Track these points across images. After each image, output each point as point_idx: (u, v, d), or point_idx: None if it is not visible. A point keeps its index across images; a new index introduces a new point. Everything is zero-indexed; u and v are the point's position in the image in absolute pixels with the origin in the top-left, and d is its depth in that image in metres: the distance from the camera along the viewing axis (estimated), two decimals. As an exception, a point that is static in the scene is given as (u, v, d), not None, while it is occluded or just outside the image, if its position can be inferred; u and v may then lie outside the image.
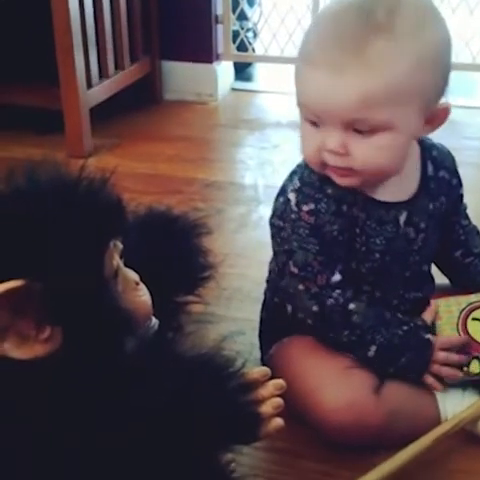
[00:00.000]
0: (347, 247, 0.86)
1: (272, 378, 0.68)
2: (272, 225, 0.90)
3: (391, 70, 0.75)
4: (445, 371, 0.87)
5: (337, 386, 0.85)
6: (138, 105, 2.13)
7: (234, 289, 1.21)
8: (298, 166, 0.89)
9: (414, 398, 0.88)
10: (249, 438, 0.67)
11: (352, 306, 0.85)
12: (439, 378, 0.88)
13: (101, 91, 1.88)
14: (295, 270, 0.85)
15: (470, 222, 1.00)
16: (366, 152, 0.79)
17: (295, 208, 0.85)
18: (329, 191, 0.84)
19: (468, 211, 1.01)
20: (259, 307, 1.02)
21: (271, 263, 0.99)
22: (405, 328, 0.86)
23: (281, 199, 0.88)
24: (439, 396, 0.89)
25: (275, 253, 0.90)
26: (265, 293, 1.02)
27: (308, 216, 0.84)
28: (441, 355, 0.87)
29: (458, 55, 2.02)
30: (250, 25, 2.33)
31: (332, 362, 0.88)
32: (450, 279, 1.02)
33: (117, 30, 1.94)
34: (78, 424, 0.62)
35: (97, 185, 0.65)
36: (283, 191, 0.88)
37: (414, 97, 0.78)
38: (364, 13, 0.75)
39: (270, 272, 1.00)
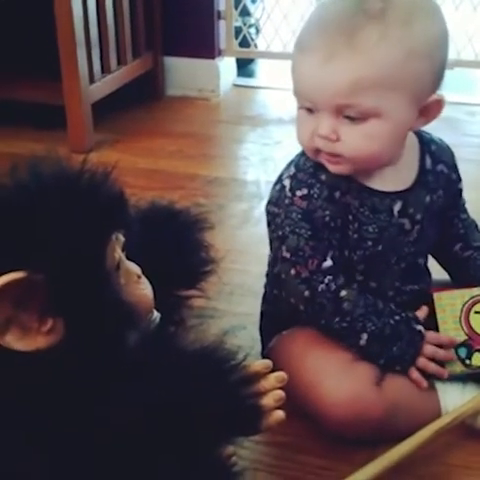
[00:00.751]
0: (340, 234, 0.87)
1: (273, 371, 0.68)
2: (268, 212, 0.91)
3: (380, 57, 0.76)
4: (432, 367, 0.88)
5: (338, 379, 0.86)
6: (140, 101, 2.13)
7: (236, 284, 1.22)
8: (296, 155, 0.91)
9: (415, 392, 0.88)
10: (250, 431, 0.68)
11: (343, 293, 0.85)
12: (424, 375, 0.88)
13: (103, 86, 1.87)
14: (287, 255, 0.86)
15: (469, 216, 1.01)
16: (356, 139, 0.81)
17: (289, 193, 0.86)
18: (323, 177, 0.86)
19: (469, 207, 1.02)
20: (260, 302, 1.03)
21: (270, 256, 1.00)
22: (397, 318, 0.87)
23: (277, 186, 0.89)
24: (440, 390, 0.89)
25: (270, 240, 0.91)
26: (265, 286, 1.02)
27: (301, 201, 0.85)
28: (429, 349, 0.87)
29: (461, 52, 2.02)
30: (252, 21, 2.33)
31: (333, 355, 0.88)
32: (449, 273, 1.02)
33: (119, 26, 1.94)
34: (78, 417, 0.62)
35: (99, 178, 0.65)
36: (280, 179, 0.90)
37: (404, 86, 0.79)
38: (359, 1, 0.77)
39: (269, 265, 1.00)
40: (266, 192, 1.58)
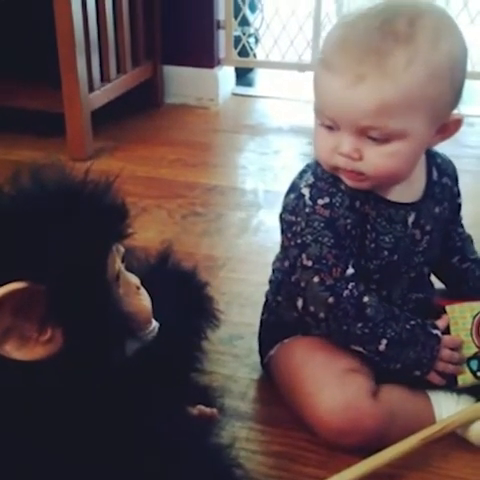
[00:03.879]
0: (358, 243, 0.88)
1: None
2: (283, 220, 0.91)
3: (409, 80, 0.77)
4: (450, 369, 0.88)
5: (334, 389, 0.86)
6: (139, 109, 2.14)
7: (234, 293, 1.22)
8: (308, 165, 0.91)
9: (410, 402, 0.89)
10: None
11: (366, 299, 0.86)
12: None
13: (103, 95, 1.88)
14: (308, 263, 0.86)
15: (464, 231, 1.03)
16: (379, 159, 0.82)
17: (309, 202, 0.86)
18: (342, 187, 0.87)
19: (467, 218, 1.03)
20: (259, 312, 1.03)
21: (275, 263, 1.00)
22: (412, 323, 0.87)
23: (292, 195, 0.89)
24: (434, 401, 0.90)
25: (285, 248, 0.90)
26: (267, 295, 1.02)
27: (323, 209, 0.86)
28: (447, 352, 0.88)
29: (475, 64, 2.03)
30: (252, 30, 2.34)
31: (330, 365, 0.88)
32: (447, 284, 1.03)
33: (119, 34, 1.95)
34: (77, 425, 0.63)
35: (101, 189, 0.65)
36: (294, 187, 0.89)
37: (428, 107, 0.80)
38: (385, 23, 0.77)
39: (274, 271, 1.00)
40: (265, 201, 1.60)
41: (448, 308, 0.92)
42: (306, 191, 0.87)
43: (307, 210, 0.86)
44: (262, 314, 1.03)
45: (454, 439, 0.89)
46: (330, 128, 0.83)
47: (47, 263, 0.60)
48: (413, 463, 0.87)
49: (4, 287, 0.59)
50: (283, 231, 0.91)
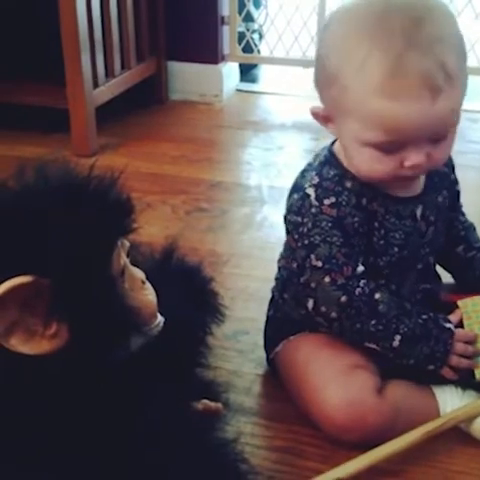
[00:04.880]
0: (366, 240, 0.88)
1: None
2: (288, 221, 0.90)
3: (463, 78, 0.80)
4: (464, 363, 0.87)
5: (339, 386, 0.86)
6: (144, 105, 2.14)
7: (238, 289, 1.22)
8: (310, 165, 0.91)
9: (415, 398, 0.89)
10: None
11: (378, 295, 0.86)
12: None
13: (107, 91, 1.88)
14: (318, 263, 0.86)
15: (467, 219, 1.03)
16: (443, 153, 0.84)
17: (315, 202, 0.86)
18: (348, 185, 0.87)
19: (470, 213, 1.03)
20: (263, 307, 1.03)
21: (280, 261, 1.00)
22: (425, 317, 0.87)
23: (296, 195, 0.88)
24: (439, 396, 0.90)
25: (293, 249, 0.90)
26: (273, 291, 1.02)
27: (330, 209, 0.86)
28: (460, 346, 0.87)
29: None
30: (256, 26, 2.33)
31: (336, 361, 0.88)
32: (453, 274, 1.03)
33: (124, 30, 1.95)
34: (82, 420, 0.63)
35: (107, 184, 0.65)
36: (298, 187, 0.89)
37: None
38: (416, 30, 0.77)
39: (279, 269, 1.00)
40: (269, 197, 1.60)
41: (460, 303, 0.91)
42: (311, 191, 0.87)
43: (313, 210, 0.86)
44: (268, 310, 1.03)
45: (458, 434, 0.89)
46: (386, 150, 0.81)
47: (52, 258, 0.60)
48: (416, 458, 0.87)
49: (10, 281, 0.59)
50: (289, 232, 0.91)
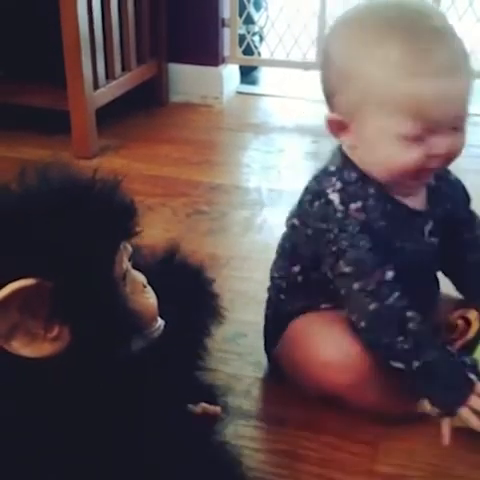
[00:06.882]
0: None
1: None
2: (314, 230, 0.87)
3: (470, 74, 0.84)
4: (473, 422, 0.83)
5: (330, 337, 0.88)
6: (144, 107, 2.14)
7: (238, 291, 1.22)
8: (323, 171, 0.90)
9: None
10: None
11: (410, 314, 0.84)
12: None
13: (107, 92, 1.88)
14: (347, 269, 0.84)
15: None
16: (461, 144, 0.85)
17: (341, 207, 0.85)
18: (372, 190, 0.87)
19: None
20: (263, 310, 1.03)
21: (275, 263, 1.00)
22: (452, 360, 0.85)
23: (317, 202, 0.87)
24: None
25: (320, 259, 0.88)
26: (269, 290, 1.02)
27: (357, 213, 0.85)
28: (476, 401, 0.82)
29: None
30: (256, 29, 2.33)
31: (327, 320, 0.90)
32: (456, 282, 1.02)
33: (124, 32, 1.95)
34: (82, 422, 0.63)
35: (110, 187, 0.66)
36: (318, 194, 0.87)
37: None
38: (429, 19, 0.82)
39: (272, 279, 1.00)
40: (268, 199, 1.60)
41: (471, 316, 0.92)
42: (335, 196, 0.86)
43: (339, 215, 0.85)
44: (267, 309, 1.03)
45: (458, 438, 0.89)
46: (416, 139, 0.81)
47: (54, 260, 0.60)
48: (415, 462, 0.87)
49: (11, 284, 0.59)
50: (315, 240, 0.88)
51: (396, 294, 0.84)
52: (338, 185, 0.86)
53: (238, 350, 1.08)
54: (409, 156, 0.83)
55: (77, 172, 0.66)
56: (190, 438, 0.70)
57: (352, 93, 0.83)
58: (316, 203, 0.87)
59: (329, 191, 0.86)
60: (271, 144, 1.93)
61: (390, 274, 0.84)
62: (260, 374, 1.03)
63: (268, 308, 1.03)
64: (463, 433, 0.90)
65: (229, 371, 1.03)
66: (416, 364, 0.83)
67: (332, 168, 0.89)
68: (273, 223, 1.47)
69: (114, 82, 1.91)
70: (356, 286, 0.84)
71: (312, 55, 2.20)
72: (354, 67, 0.82)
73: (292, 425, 0.93)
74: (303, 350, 0.91)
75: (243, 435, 0.91)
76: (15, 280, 0.59)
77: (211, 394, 0.86)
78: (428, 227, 0.91)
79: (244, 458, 0.82)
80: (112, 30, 1.88)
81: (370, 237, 0.84)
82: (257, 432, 0.93)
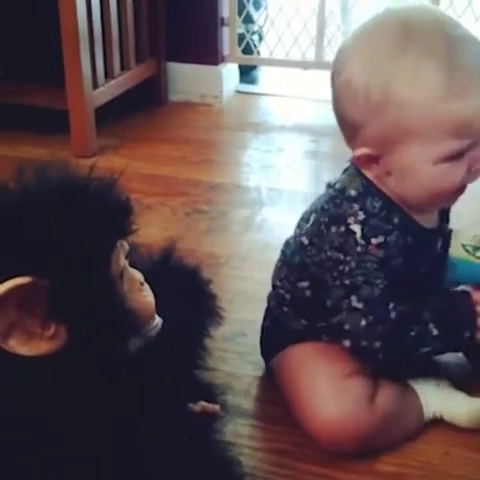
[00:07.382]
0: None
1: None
2: (328, 258, 0.84)
3: None
4: None
5: (330, 396, 0.85)
6: (143, 106, 2.14)
7: (237, 291, 1.22)
8: (341, 192, 0.85)
9: (403, 400, 0.89)
10: None
11: (393, 314, 0.82)
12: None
13: (107, 92, 1.88)
14: (359, 305, 0.82)
15: None
16: None
17: (362, 241, 0.81)
18: (396, 221, 0.84)
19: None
20: (262, 309, 1.03)
21: (276, 269, 0.98)
22: (439, 296, 0.85)
23: (335, 229, 0.83)
24: (418, 390, 0.91)
25: (328, 287, 0.85)
26: (268, 300, 1.01)
27: (377, 249, 0.82)
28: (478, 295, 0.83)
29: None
30: (256, 28, 2.34)
31: (328, 371, 0.87)
32: None
33: (123, 31, 1.95)
34: (80, 421, 0.63)
35: (106, 185, 0.65)
36: (337, 220, 0.83)
37: None
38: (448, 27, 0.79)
39: (274, 287, 0.98)
40: (268, 199, 1.60)
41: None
42: (357, 228, 0.82)
43: (359, 249, 0.81)
44: (264, 320, 1.01)
45: (455, 437, 0.89)
46: (457, 156, 0.79)
47: (51, 258, 0.60)
48: (413, 461, 0.87)
49: (8, 282, 0.59)
50: (327, 268, 0.85)
51: (391, 305, 0.83)
52: (361, 216, 0.82)
53: (237, 349, 1.07)
54: (456, 174, 0.80)
55: (74, 171, 0.66)
56: (189, 437, 0.69)
57: (381, 122, 0.78)
58: (333, 228, 0.83)
59: (351, 221, 0.82)
60: (271, 143, 1.93)
61: (394, 314, 0.83)
62: (259, 373, 1.03)
63: (266, 319, 1.01)
64: (463, 433, 0.90)
65: (228, 370, 1.03)
66: (434, 331, 0.82)
67: (353, 192, 0.84)
68: (273, 222, 1.47)
69: (113, 81, 1.91)
70: (363, 323, 0.82)
71: (311, 54, 2.20)
72: (380, 95, 0.77)
73: (292, 424, 0.92)
74: (302, 402, 0.88)
75: (242, 434, 0.91)
76: (12, 278, 0.59)
77: (210, 393, 0.85)
78: (439, 243, 0.90)
79: (243, 457, 0.82)
80: (111, 29, 1.88)
81: (386, 275, 0.82)
82: (256, 431, 0.93)
